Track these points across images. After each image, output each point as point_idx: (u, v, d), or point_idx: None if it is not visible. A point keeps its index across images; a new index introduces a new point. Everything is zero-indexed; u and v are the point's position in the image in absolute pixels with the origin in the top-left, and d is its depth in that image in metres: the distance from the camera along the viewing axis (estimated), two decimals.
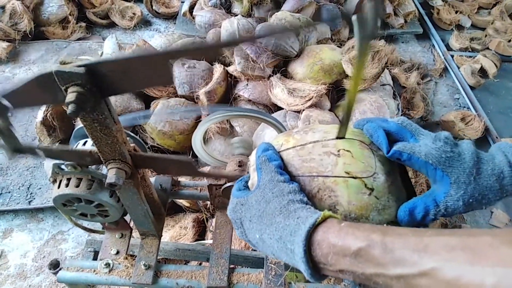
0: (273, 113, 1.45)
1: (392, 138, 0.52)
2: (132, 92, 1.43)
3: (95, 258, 1.00)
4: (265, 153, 0.50)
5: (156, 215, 0.84)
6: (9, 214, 1.49)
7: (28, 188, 1.51)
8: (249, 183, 0.54)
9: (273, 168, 0.48)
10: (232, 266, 0.83)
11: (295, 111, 1.37)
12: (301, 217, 0.41)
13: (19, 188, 1.51)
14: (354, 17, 0.40)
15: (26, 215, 1.50)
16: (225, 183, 0.80)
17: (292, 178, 0.49)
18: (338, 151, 0.51)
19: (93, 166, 0.72)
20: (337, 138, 0.54)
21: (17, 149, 0.64)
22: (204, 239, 1.28)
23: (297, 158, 0.51)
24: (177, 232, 1.29)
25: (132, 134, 0.83)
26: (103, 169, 0.73)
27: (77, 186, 0.72)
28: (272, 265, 0.81)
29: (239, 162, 0.78)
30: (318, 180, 0.49)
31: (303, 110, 1.34)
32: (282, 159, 0.51)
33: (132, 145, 0.66)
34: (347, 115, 0.52)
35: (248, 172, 0.56)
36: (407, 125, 0.51)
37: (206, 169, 1.23)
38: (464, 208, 0.47)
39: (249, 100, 1.45)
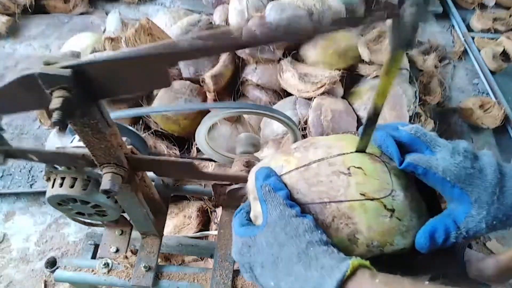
0: (282, 99, 1.38)
1: (404, 149, 0.46)
2: (127, 95, 1.35)
3: (95, 251, 0.97)
4: (267, 182, 0.43)
5: (157, 214, 0.80)
6: (11, 197, 1.47)
7: (30, 171, 1.48)
8: (252, 215, 0.47)
9: (281, 200, 0.41)
10: (236, 268, 0.80)
11: (306, 98, 1.29)
12: (325, 267, 0.35)
13: (20, 171, 1.48)
14: (389, 21, 0.33)
15: (28, 198, 1.47)
16: (231, 183, 0.75)
17: (300, 206, 0.43)
18: (348, 169, 0.45)
19: None
20: (356, 151, 0.48)
21: (8, 154, 0.59)
22: (208, 230, 1.25)
23: (303, 182, 0.45)
24: (180, 221, 1.26)
25: (132, 129, 0.77)
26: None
27: (72, 186, 0.67)
28: None
29: (246, 162, 0.73)
30: (331, 207, 0.43)
31: (315, 97, 1.26)
32: (285, 185, 0.45)
33: (129, 146, 0.60)
34: (371, 125, 0.45)
35: (247, 199, 0.50)
36: (421, 135, 0.45)
37: (210, 166, 1.17)
38: (486, 230, 0.43)
39: (258, 85, 1.38)
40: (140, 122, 1.38)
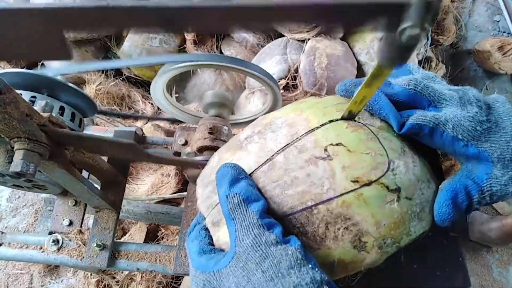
0: (272, 40, 1.19)
1: (397, 106, 0.37)
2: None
3: None
4: (236, 190, 0.31)
5: (109, 186, 0.68)
6: None
7: None
8: (215, 241, 0.34)
9: (255, 219, 0.29)
10: None
11: (298, 40, 1.11)
12: None
13: None
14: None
15: None
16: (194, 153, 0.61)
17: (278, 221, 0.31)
18: (325, 149, 0.33)
19: None
20: (342, 118, 0.36)
21: None
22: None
23: (272, 187, 0.32)
24: (158, 179, 1.16)
25: (75, 87, 0.62)
26: None
27: None
28: None
29: (210, 128, 0.59)
30: (320, 210, 0.31)
31: (309, 39, 1.08)
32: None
33: (45, 115, 0.46)
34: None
35: (200, 212, 0.37)
36: (422, 89, 0.36)
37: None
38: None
39: None
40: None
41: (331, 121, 0.35)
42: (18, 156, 0.44)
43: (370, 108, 0.37)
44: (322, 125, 0.35)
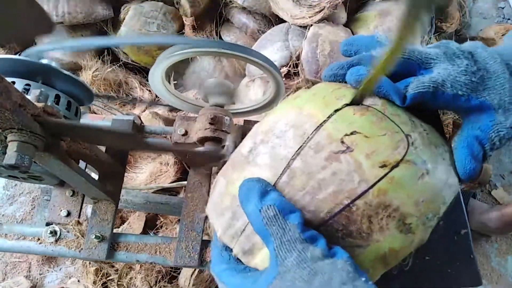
0: (273, 26, 1.16)
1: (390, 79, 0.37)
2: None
3: None
4: (269, 201, 0.28)
5: (107, 177, 0.66)
6: None
7: None
8: (247, 261, 0.32)
9: (298, 234, 0.27)
10: (205, 239, 0.68)
11: (300, 26, 1.08)
12: None
13: None
14: None
15: None
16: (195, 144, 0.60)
17: (316, 229, 0.29)
18: (342, 142, 0.31)
19: None
20: (350, 104, 0.35)
21: None
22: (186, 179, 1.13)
23: (300, 196, 0.30)
24: (157, 168, 1.14)
25: (70, 74, 0.59)
26: None
27: None
28: None
29: (211, 119, 0.57)
30: (358, 206, 0.30)
31: (311, 25, 1.05)
32: None
33: (40, 105, 0.44)
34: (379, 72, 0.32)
35: (215, 237, 0.35)
36: (409, 53, 0.36)
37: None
38: None
39: (244, 8, 1.15)
40: (106, 52, 1.19)
41: (336, 110, 0.33)
42: (12, 148, 0.42)
43: None
44: (329, 117, 0.33)
